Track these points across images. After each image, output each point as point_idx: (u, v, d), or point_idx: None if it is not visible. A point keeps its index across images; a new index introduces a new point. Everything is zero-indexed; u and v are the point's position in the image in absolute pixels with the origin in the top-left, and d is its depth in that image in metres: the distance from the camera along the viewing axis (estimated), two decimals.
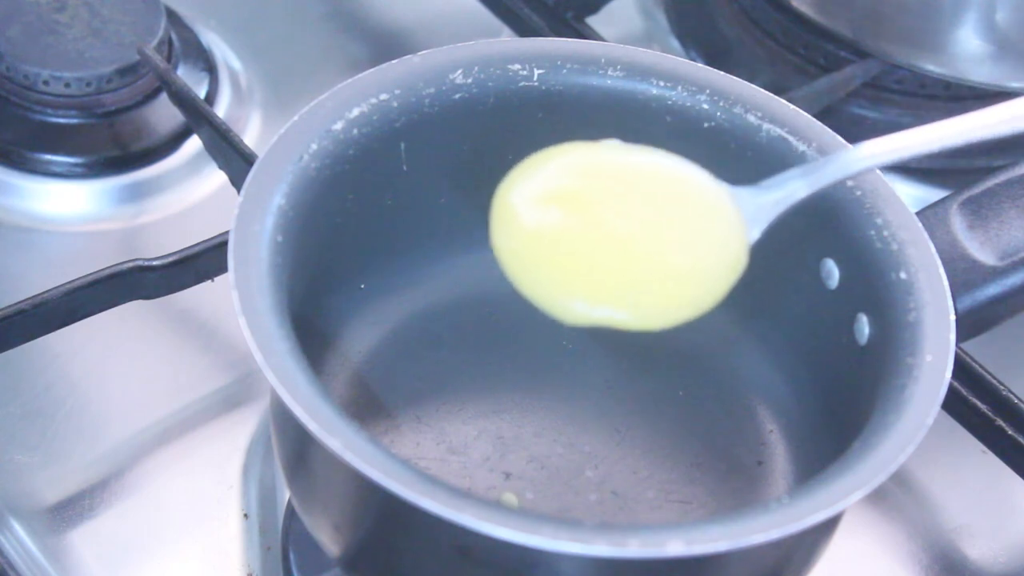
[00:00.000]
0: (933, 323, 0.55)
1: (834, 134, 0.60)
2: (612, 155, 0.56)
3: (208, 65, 0.82)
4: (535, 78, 0.61)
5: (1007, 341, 0.70)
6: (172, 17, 0.82)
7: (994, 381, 0.67)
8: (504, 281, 0.58)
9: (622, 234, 0.53)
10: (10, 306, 0.65)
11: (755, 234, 0.55)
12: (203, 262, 0.68)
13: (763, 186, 0.56)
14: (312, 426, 0.49)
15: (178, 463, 0.66)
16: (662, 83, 0.62)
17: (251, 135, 0.80)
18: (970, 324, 0.61)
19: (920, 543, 0.68)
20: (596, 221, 0.54)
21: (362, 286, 0.63)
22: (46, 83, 0.77)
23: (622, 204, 0.54)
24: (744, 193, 0.56)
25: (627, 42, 0.74)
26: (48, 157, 0.76)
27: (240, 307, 0.51)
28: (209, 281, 0.69)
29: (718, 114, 0.61)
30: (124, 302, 0.68)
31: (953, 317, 0.55)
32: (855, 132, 0.78)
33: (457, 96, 0.61)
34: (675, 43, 0.89)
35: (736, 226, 0.55)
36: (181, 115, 0.75)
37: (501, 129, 0.62)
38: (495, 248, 0.55)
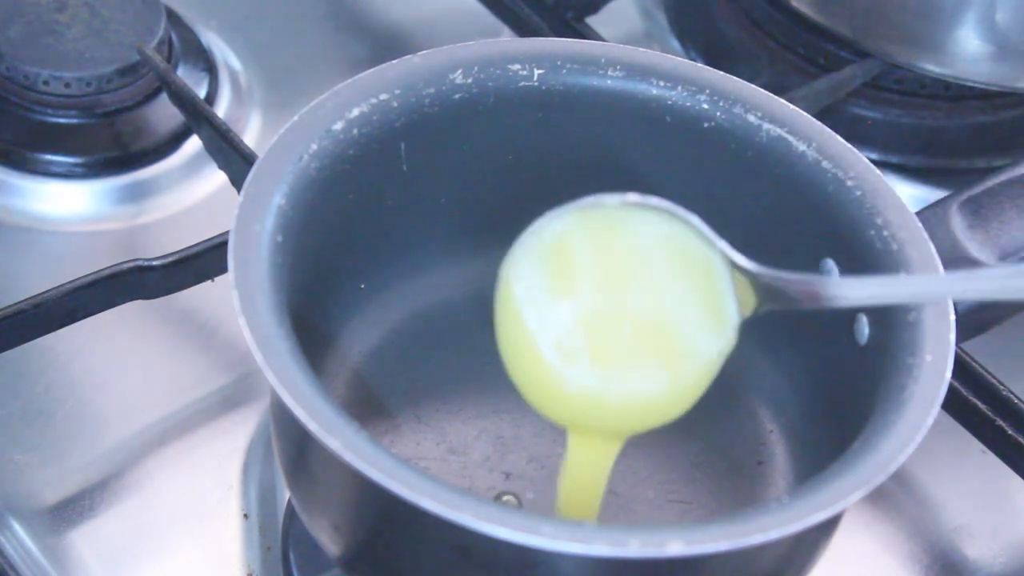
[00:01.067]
0: (933, 323, 0.55)
1: (834, 134, 0.60)
2: (613, 232, 0.55)
3: (208, 65, 0.82)
4: (535, 78, 0.61)
5: (1007, 341, 0.70)
6: (172, 17, 0.82)
7: (994, 381, 0.67)
8: None
9: (620, 335, 0.54)
10: (10, 306, 0.65)
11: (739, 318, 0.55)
12: (203, 262, 0.68)
13: (762, 275, 0.54)
14: (312, 426, 0.49)
15: (178, 463, 0.66)
16: (662, 83, 0.62)
17: (251, 135, 0.80)
18: (970, 324, 0.61)
19: (920, 543, 0.68)
20: (593, 322, 0.54)
21: (362, 286, 0.63)
22: (46, 83, 0.76)
23: (619, 301, 0.54)
24: (745, 273, 0.55)
25: (627, 42, 0.73)
26: (48, 157, 0.76)
27: (240, 307, 0.51)
28: (209, 281, 0.69)
29: (718, 114, 0.61)
30: (124, 302, 0.67)
31: (953, 317, 0.55)
32: (855, 132, 0.78)
33: (457, 96, 0.61)
34: (675, 43, 0.89)
35: (728, 318, 0.55)
36: (181, 115, 0.75)
37: (501, 129, 0.62)
38: (501, 349, 0.56)
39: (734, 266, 0.54)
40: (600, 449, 0.56)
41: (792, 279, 0.54)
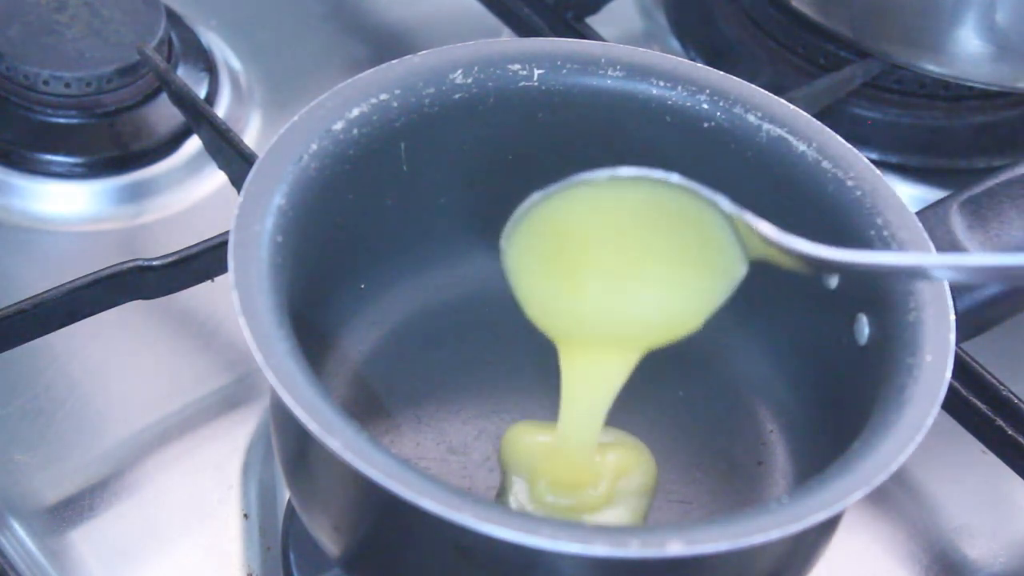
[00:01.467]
0: (933, 323, 0.55)
1: (834, 134, 0.60)
2: (606, 197, 0.56)
3: (208, 65, 0.82)
4: (535, 78, 0.61)
5: (1007, 341, 0.70)
6: (172, 17, 0.82)
7: (994, 381, 0.67)
8: (504, 281, 0.58)
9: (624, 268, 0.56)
10: (10, 306, 0.65)
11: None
12: (203, 262, 0.68)
13: (760, 226, 0.55)
14: (312, 426, 0.49)
15: (178, 463, 0.66)
16: (662, 83, 0.62)
17: (251, 135, 0.80)
18: (970, 324, 0.61)
19: (920, 543, 0.68)
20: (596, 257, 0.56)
21: (362, 286, 0.63)
22: (46, 83, 0.77)
23: (620, 247, 0.56)
24: (745, 221, 0.55)
25: (627, 42, 0.74)
26: (48, 157, 0.76)
27: (240, 307, 0.51)
28: (209, 281, 0.69)
29: (718, 114, 0.61)
30: (124, 302, 0.67)
31: (953, 317, 0.55)
32: (855, 132, 0.78)
33: (457, 96, 0.61)
34: (675, 43, 0.89)
35: (730, 256, 0.55)
36: (181, 115, 0.75)
37: (501, 129, 0.62)
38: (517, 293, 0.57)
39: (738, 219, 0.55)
40: (602, 368, 0.57)
41: (790, 239, 0.54)
